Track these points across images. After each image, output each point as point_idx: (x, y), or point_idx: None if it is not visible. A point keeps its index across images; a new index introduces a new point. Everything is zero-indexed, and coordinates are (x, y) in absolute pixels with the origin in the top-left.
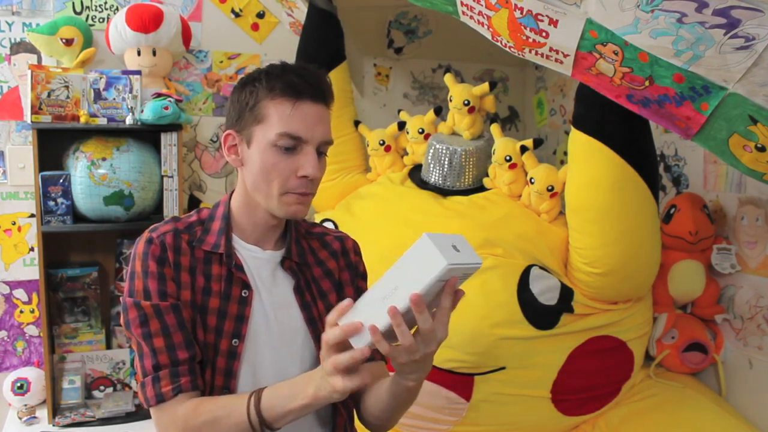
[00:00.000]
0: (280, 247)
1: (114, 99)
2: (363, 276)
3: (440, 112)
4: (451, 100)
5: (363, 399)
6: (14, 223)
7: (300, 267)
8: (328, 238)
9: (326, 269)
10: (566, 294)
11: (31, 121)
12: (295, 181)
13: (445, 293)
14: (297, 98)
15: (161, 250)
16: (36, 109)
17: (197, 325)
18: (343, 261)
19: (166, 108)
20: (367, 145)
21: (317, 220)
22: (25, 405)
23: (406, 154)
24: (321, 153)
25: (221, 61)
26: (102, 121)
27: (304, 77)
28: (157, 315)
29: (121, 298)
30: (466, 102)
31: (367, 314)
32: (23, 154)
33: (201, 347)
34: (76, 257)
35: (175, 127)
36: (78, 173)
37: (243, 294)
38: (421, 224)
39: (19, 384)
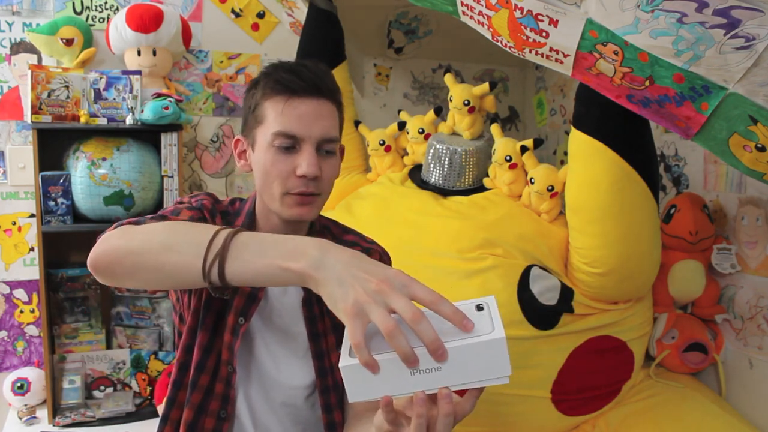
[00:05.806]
0: None
1: (114, 99)
2: None
3: (440, 112)
4: (451, 100)
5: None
6: (14, 223)
7: None
8: (356, 249)
9: None
10: (566, 294)
11: (31, 121)
12: (294, 181)
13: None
14: (290, 95)
15: (201, 214)
16: (36, 109)
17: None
18: None
19: (166, 108)
20: (367, 145)
21: None
22: (25, 405)
23: (406, 154)
24: (328, 151)
25: (221, 61)
26: (102, 121)
27: (297, 73)
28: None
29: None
30: (466, 102)
31: (387, 377)
32: (23, 154)
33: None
34: (76, 257)
35: (175, 127)
36: (78, 173)
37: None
38: (421, 224)
39: (19, 384)
